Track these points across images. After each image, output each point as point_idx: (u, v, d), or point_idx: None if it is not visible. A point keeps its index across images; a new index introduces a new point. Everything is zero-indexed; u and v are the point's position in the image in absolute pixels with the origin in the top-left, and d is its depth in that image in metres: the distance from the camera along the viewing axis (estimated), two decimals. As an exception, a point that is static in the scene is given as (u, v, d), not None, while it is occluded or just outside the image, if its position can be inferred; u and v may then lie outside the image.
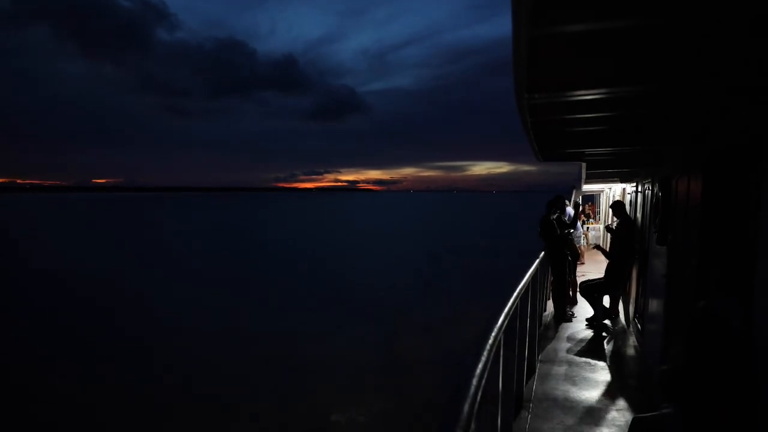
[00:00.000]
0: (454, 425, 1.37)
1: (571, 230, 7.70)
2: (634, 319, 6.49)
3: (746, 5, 1.50)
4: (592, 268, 10.62)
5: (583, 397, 4.45)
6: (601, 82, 2.30)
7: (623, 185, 8.89)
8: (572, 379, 4.89)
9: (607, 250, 7.46)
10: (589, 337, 6.49)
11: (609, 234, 8.37)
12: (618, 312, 7.31)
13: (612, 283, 6.92)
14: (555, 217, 7.44)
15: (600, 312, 6.94)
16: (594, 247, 9.21)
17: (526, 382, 4.51)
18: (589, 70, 2.17)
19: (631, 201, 7.66)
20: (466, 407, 1.46)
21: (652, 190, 5.72)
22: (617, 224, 7.34)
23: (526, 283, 3.88)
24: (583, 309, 7.50)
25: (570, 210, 8.57)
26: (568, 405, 4.28)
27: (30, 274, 22.57)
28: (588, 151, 5.01)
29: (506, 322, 2.65)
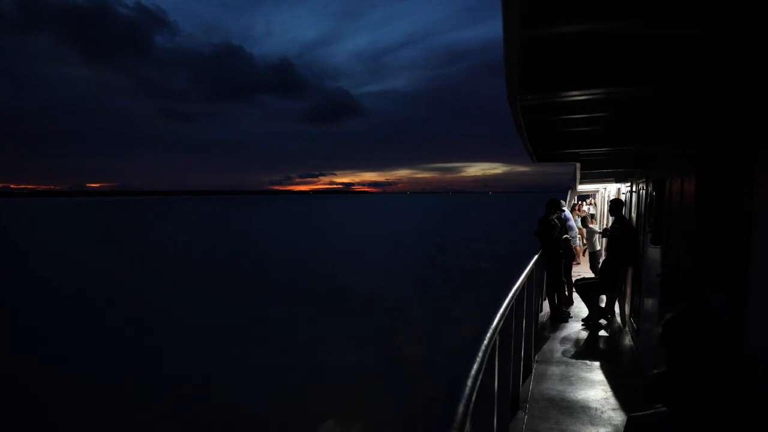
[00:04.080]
0: (449, 426, 1.37)
1: (566, 236, 7.73)
2: (629, 319, 6.51)
3: (740, 6, 1.51)
4: (588, 268, 10.65)
5: (579, 397, 4.45)
6: (594, 83, 2.31)
7: (618, 185, 8.93)
8: (568, 379, 4.89)
9: (604, 251, 7.50)
10: (585, 337, 6.51)
11: (605, 238, 8.39)
12: (614, 312, 7.34)
13: (607, 282, 6.94)
14: (554, 217, 7.48)
15: (596, 312, 6.96)
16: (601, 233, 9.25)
17: (523, 383, 4.51)
18: (581, 71, 2.17)
19: (626, 201, 7.70)
20: (461, 408, 1.46)
21: (647, 190, 5.75)
22: (612, 223, 7.38)
23: (521, 283, 3.89)
24: (579, 309, 7.52)
25: (569, 213, 8.62)
26: (565, 405, 4.28)
27: (28, 278, 22.43)
28: (582, 151, 5.03)
29: (502, 322, 2.65)
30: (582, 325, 6.95)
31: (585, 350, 5.94)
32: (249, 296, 18.27)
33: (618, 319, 7.23)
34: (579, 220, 11.04)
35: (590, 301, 6.95)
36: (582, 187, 12.59)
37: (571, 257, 7.89)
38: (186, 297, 18.17)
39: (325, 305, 16.40)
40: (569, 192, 12.89)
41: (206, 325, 13.99)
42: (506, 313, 2.86)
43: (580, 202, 16.50)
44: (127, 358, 11.12)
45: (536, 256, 6.31)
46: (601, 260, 8.62)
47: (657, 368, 2.64)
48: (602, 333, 6.68)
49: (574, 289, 7.73)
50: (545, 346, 6.02)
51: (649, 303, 5.11)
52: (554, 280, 7.39)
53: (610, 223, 8.11)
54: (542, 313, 7.44)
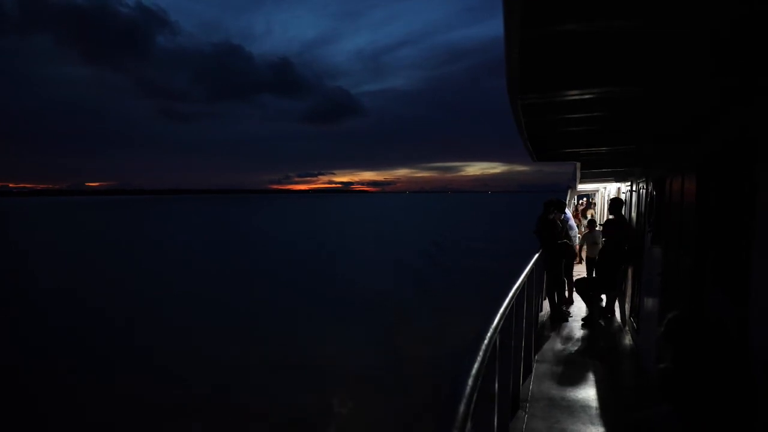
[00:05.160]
0: (451, 426, 1.37)
1: (566, 240, 7.71)
2: (629, 318, 6.52)
3: (738, 6, 1.50)
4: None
5: (579, 397, 4.46)
6: (595, 83, 2.31)
7: (618, 184, 8.93)
8: (569, 379, 4.89)
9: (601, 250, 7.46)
10: (585, 336, 6.50)
11: (603, 238, 8.37)
12: (614, 311, 7.34)
13: (606, 282, 6.93)
14: (552, 216, 7.47)
15: (596, 311, 6.97)
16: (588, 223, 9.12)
17: (523, 382, 4.51)
18: (582, 70, 2.17)
19: (626, 200, 7.70)
20: (462, 407, 1.46)
21: (647, 190, 5.75)
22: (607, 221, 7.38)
23: (521, 282, 3.89)
24: (579, 308, 7.52)
25: (569, 212, 8.60)
26: (565, 404, 4.28)
27: (28, 278, 22.44)
28: (582, 150, 5.02)
29: (502, 321, 2.65)
30: (582, 324, 6.95)
31: (585, 350, 5.94)
32: (249, 296, 18.28)
33: (618, 318, 7.23)
34: (586, 221, 10.99)
35: (590, 301, 6.95)
36: (582, 187, 12.60)
37: (571, 257, 7.89)
38: (186, 297, 18.17)
39: (325, 305, 16.41)
40: (569, 191, 12.89)
41: (206, 325, 14.00)
42: (506, 312, 2.85)
43: (585, 200, 16.49)
44: (127, 358, 11.12)
45: (536, 256, 6.30)
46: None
47: (660, 366, 2.64)
48: (602, 332, 6.69)
49: (574, 289, 7.72)
50: (545, 346, 6.01)
51: (650, 302, 5.11)
52: (554, 280, 7.39)
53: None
54: (542, 313, 7.43)
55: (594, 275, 9.06)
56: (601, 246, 9.73)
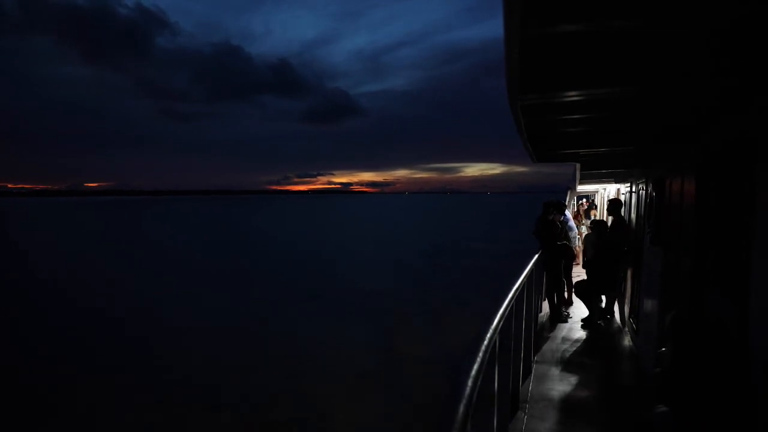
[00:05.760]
0: (450, 426, 1.37)
1: (566, 241, 7.71)
2: (629, 319, 6.51)
3: (738, 6, 1.51)
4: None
5: (579, 398, 4.45)
6: (594, 83, 2.31)
7: (618, 185, 8.93)
8: (568, 380, 4.89)
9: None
10: (585, 337, 6.50)
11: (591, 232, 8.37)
12: (613, 312, 7.34)
13: (605, 283, 6.92)
14: (552, 217, 7.46)
15: (595, 312, 6.96)
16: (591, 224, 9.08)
17: (522, 383, 4.51)
18: (581, 70, 2.17)
19: (625, 201, 7.70)
20: (462, 408, 1.46)
21: (647, 190, 5.75)
22: (610, 222, 7.38)
23: (521, 283, 3.88)
24: (579, 309, 7.52)
25: (568, 213, 8.60)
26: (564, 405, 4.28)
27: (27, 278, 22.42)
28: (582, 151, 5.02)
29: (502, 322, 2.65)
30: (581, 325, 6.95)
31: (584, 351, 5.94)
32: (249, 296, 18.27)
33: (617, 319, 7.23)
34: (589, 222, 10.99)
35: (590, 302, 6.95)
36: (581, 188, 12.59)
37: (570, 258, 7.89)
38: (186, 297, 18.16)
39: (324, 305, 16.41)
40: (569, 192, 12.88)
41: (206, 325, 14.00)
42: (506, 313, 2.85)
43: (586, 201, 16.45)
44: (127, 358, 11.12)
45: (536, 256, 6.30)
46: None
47: (659, 368, 2.64)
48: (602, 333, 6.68)
49: (573, 290, 7.72)
50: (545, 347, 6.01)
51: (649, 303, 5.11)
52: (554, 281, 7.38)
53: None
54: (542, 314, 7.43)
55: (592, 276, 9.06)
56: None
